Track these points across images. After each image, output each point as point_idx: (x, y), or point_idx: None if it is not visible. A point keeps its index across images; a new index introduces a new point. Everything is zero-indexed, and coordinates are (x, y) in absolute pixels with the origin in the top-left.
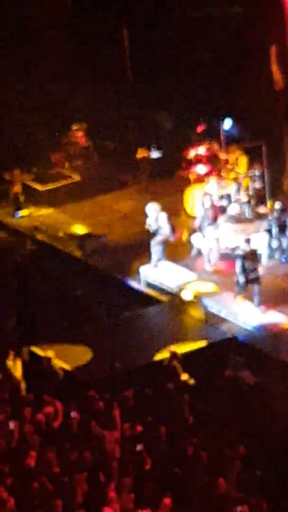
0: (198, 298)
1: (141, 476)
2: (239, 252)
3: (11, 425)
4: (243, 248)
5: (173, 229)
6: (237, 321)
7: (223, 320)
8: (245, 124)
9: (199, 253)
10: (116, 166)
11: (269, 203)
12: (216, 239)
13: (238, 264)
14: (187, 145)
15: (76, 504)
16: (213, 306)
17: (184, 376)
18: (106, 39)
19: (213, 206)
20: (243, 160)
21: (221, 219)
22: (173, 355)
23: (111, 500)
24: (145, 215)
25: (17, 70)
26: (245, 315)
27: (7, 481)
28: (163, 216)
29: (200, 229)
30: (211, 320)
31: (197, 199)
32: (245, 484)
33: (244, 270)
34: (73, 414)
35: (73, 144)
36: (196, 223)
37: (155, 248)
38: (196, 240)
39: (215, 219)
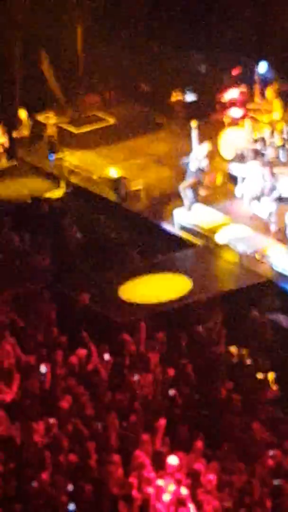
0: (232, 241)
1: (174, 419)
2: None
3: (43, 368)
4: None
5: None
6: (273, 265)
7: (259, 263)
8: (280, 67)
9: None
10: (151, 109)
11: None
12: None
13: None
14: (221, 88)
15: (109, 446)
16: (247, 249)
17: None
18: None
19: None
20: (278, 103)
21: (255, 163)
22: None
23: (143, 443)
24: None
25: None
26: (281, 258)
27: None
28: (203, 159)
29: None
30: (246, 263)
31: (231, 142)
32: (278, 428)
33: None
34: (106, 356)
35: None
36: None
37: (185, 192)
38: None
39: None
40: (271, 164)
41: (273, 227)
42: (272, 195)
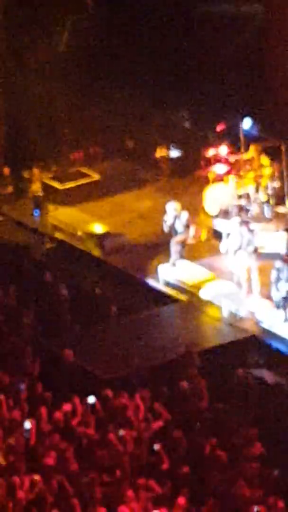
0: (216, 297)
1: (157, 475)
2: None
3: (28, 424)
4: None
5: (193, 230)
6: (256, 320)
7: (242, 319)
8: (264, 124)
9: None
10: (135, 165)
11: None
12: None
13: (273, 275)
14: (206, 145)
15: (93, 502)
16: (231, 305)
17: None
18: (125, 38)
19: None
20: (266, 160)
21: (238, 219)
22: (190, 352)
23: (127, 498)
24: (164, 214)
25: (34, 73)
26: (264, 314)
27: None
28: (185, 215)
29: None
30: (230, 319)
31: (216, 198)
32: (262, 484)
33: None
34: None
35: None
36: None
37: (175, 248)
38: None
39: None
40: (247, 220)
41: (253, 282)
42: (248, 249)
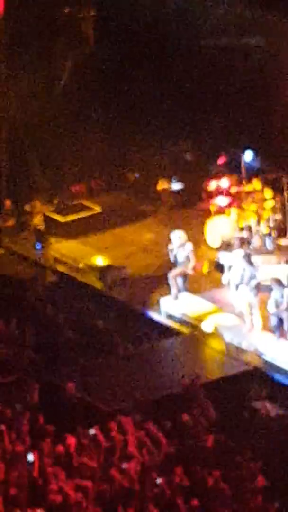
0: (219, 330)
1: (161, 508)
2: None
3: (31, 457)
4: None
5: (193, 261)
6: (258, 353)
7: (244, 352)
8: (266, 156)
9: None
10: (137, 198)
11: None
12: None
13: (269, 304)
14: (208, 177)
15: None
16: (234, 338)
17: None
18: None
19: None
20: (269, 192)
21: (240, 252)
22: (193, 385)
23: None
24: (165, 246)
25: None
26: (266, 347)
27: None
28: (189, 246)
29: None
30: (232, 352)
31: (218, 231)
32: None
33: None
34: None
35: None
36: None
37: (174, 280)
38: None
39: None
40: (249, 253)
41: (255, 317)
42: (250, 284)
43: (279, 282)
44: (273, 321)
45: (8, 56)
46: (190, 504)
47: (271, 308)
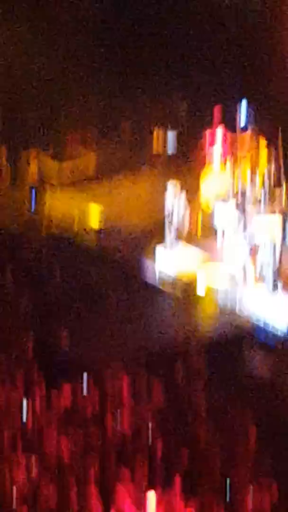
0: (213, 289)
1: (153, 457)
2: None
3: (25, 404)
4: (263, 239)
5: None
6: (253, 314)
7: (238, 312)
8: (262, 107)
9: None
10: (132, 147)
11: (285, 187)
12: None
13: (259, 256)
14: (203, 127)
15: (89, 482)
16: (228, 298)
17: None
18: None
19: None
20: (263, 142)
21: (235, 202)
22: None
23: (123, 478)
24: (161, 195)
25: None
26: (261, 308)
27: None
28: (184, 196)
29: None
30: (226, 312)
31: (213, 181)
32: (256, 468)
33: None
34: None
35: None
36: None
37: (170, 230)
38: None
39: None
40: (243, 203)
41: (248, 268)
42: (244, 234)
43: (266, 230)
44: (264, 270)
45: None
46: (181, 453)
47: (262, 256)
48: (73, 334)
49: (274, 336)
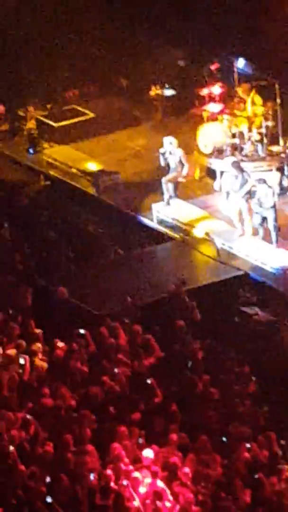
0: (209, 235)
1: (150, 412)
2: (254, 191)
3: (22, 359)
4: (258, 187)
5: (187, 168)
6: (250, 258)
7: (235, 257)
8: (259, 63)
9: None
10: (130, 103)
11: (281, 141)
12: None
13: (253, 203)
14: (200, 83)
15: (86, 439)
16: (224, 243)
17: None
18: None
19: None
20: (258, 98)
21: (232, 159)
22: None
23: (120, 435)
24: (158, 151)
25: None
26: (257, 252)
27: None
28: (179, 152)
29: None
30: (223, 257)
31: (210, 137)
32: (254, 420)
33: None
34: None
35: None
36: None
37: (167, 186)
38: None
39: None
40: (240, 159)
41: (245, 223)
42: (242, 191)
43: (263, 181)
44: (257, 220)
45: None
46: (178, 407)
47: (255, 207)
48: (70, 285)
49: (271, 275)
